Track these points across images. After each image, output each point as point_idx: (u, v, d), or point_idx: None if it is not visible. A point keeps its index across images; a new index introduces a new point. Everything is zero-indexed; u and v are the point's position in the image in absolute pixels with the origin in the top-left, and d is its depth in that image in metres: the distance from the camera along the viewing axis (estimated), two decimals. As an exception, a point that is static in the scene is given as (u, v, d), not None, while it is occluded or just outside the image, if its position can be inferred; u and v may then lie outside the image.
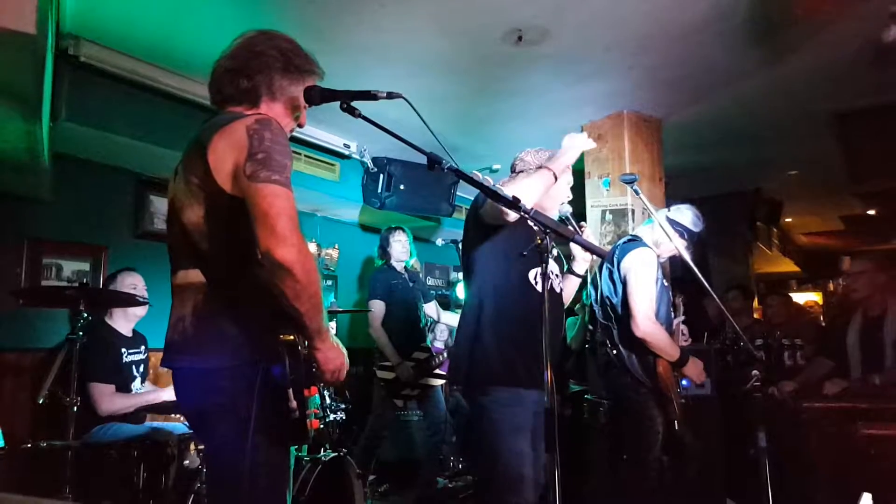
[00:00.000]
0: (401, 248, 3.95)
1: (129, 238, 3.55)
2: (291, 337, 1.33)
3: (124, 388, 2.75)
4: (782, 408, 3.26)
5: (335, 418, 3.07)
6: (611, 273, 2.64)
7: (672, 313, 2.74)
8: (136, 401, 2.69)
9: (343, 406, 3.16)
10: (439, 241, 4.37)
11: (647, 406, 2.53)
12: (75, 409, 2.32)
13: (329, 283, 4.89)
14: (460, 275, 4.70)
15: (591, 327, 2.90)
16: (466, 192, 4.99)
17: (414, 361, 3.73)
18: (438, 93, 3.49)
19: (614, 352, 2.60)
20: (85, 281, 2.95)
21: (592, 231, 3.75)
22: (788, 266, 9.38)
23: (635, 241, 2.68)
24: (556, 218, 2.23)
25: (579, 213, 3.49)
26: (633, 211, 3.81)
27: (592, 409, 3.48)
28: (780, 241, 8.16)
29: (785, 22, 2.83)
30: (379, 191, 4.36)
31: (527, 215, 1.57)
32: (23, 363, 3.02)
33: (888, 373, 3.12)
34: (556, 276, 2.23)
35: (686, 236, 2.70)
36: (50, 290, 3.04)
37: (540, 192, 1.97)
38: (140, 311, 2.91)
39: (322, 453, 2.80)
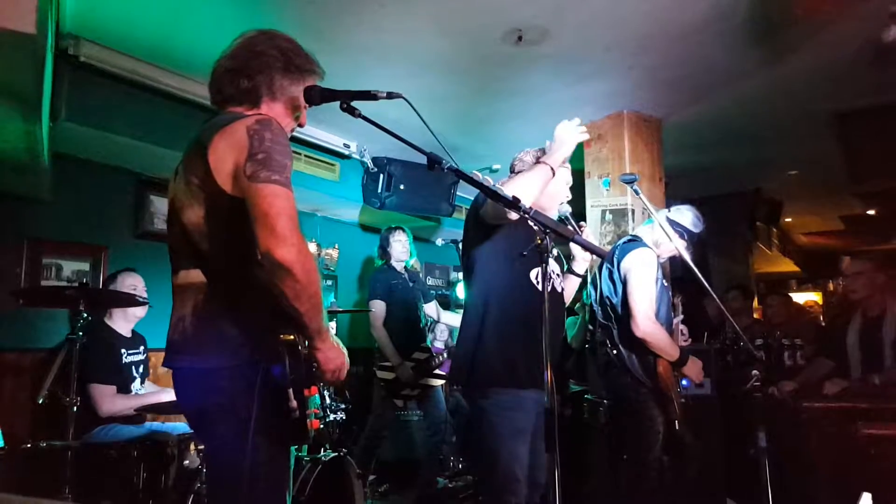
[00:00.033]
0: (401, 248, 3.94)
1: (129, 238, 3.55)
2: (292, 337, 1.33)
3: (124, 388, 2.75)
4: (782, 408, 3.25)
5: (335, 418, 3.07)
6: (611, 273, 2.64)
7: (672, 313, 2.74)
8: (137, 402, 2.69)
9: (343, 406, 3.16)
10: (439, 241, 4.37)
11: (647, 406, 2.53)
12: (75, 409, 2.32)
13: (329, 283, 4.89)
14: (460, 275, 4.71)
15: (590, 327, 2.90)
16: (466, 192, 5.00)
17: (414, 362, 3.73)
18: (438, 93, 3.48)
19: (614, 352, 2.60)
20: (85, 281, 2.95)
21: (592, 231, 3.75)
22: (788, 266, 9.38)
23: (635, 242, 2.68)
24: (555, 217, 2.23)
25: (579, 212, 3.49)
26: (633, 211, 3.81)
27: (592, 409, 3.47)
28: (780, 241, 8.16)
29: (785, 22, 2.83)
30: (379, 191, 4.36)
31: (527, 215, 1.57)
32: (23, 363, 3.02)
33: (888, 372, 3.12)
34: (558, 275, 2.24)
35: (686, 237, 2.70)
36: (50, 290, 3.03)
37: (539, 188, 1.94)
38: (140, 312, 2.91)
39: (322, 453, 2.80)
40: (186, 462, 2.52)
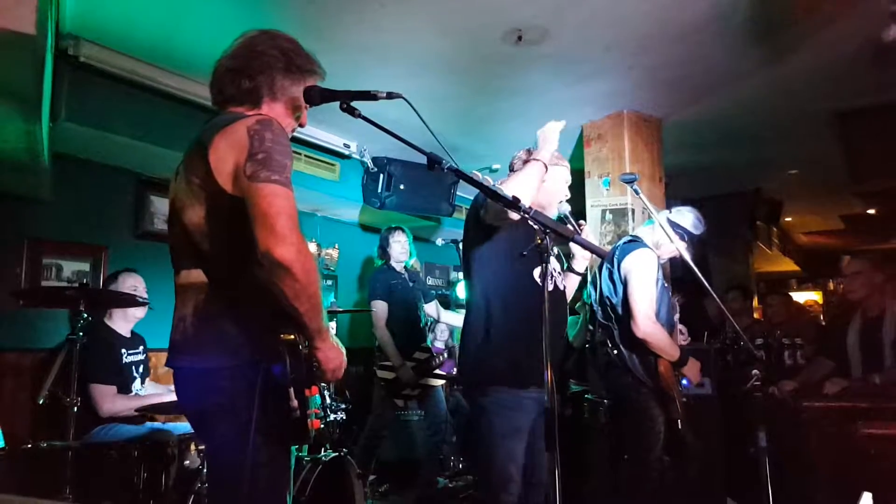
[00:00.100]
0: (400, 249, 3.94)
1: (129, 238, 3.55)
2: (292, 336, 1.33)
3: (124, 388, 2.75)
4: (782, 408, 3.25)
5: (335, 418, 3.07)
6: (611, 273, 2.64)
7: (672, 314, 2.74)
8: (138, 402, 2.69)
9: (343, 406, 3.16)
10: (439, 241, 4.37)
11: (648, 406, 2.53)
12: (75, 409, 2.32)
13: (329, 283, 4.89)
14: (460, 275, 4.71)
15: (591, 327, 2.90)
16: (466, 192, 5.00)
17: (414, 361, 3.73)
18: (438, 93, 3.49)
19: (615, 352, 2.60)
20: (85, 281, 2.95)
21: (592, 230, 3.75)
22: (788, 265, 9.38)
23: (636, 242, 2.68)
24: (555, 216, 2.24)
25: (579, 212, 3.49)
26: (632, 210, 3.81)
27: (593, 409, 3.47)
28: (780, 240, 8.17)
29: (785, 22, 2.83)
30: (379, 191, 4.36)
31: (527, 215, 1.57)
32: (23, 363, 3.02)
33: (888, 372, 3.12)
34: (559, 273, 2.25)
35: (686, 238, 2.70)
36: (50, 291, 3.03)
37: (535, 184, 1.99)
38: (139, 313, 2.91)
39: (322, 453, 2.81)
40: (187, 462, 2.52)
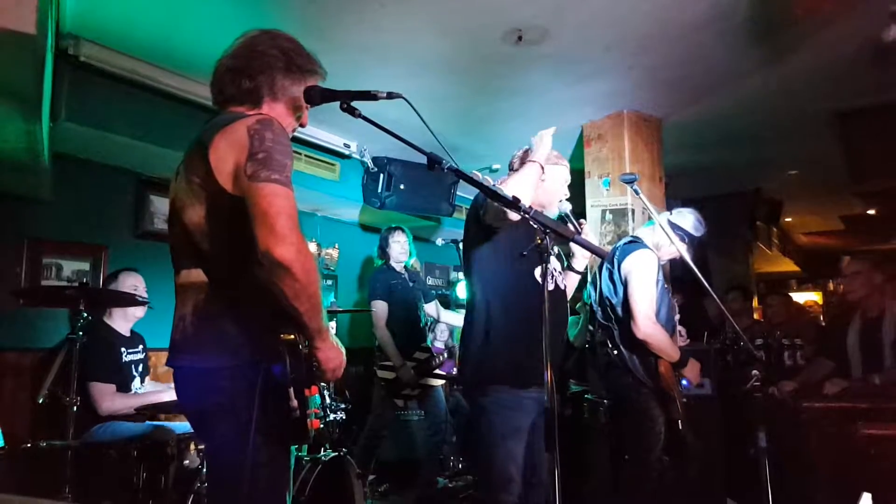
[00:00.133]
0: (399, 249, 3.94)
1: (129, 238, 3.55)
2: (292, 336, 1.33)
3: (124, 387, 2.75)
4: (782, 408, 3.25)
5: (335, 418, 3.07)
6: (611, 274, 2.64)
7: (672, 314, 2.74)
8: (138, 401, 2.69)
9: (343, 406, 3.16)
10: (439, 241, 4.37)
11: (648, 406, 2.53)
12: (75, 408, 2.32)
13: (329, 282, 4.89)
14: (460, 274, 4.71)
15: (591, 328, 2.90)
16: (466, 192, 5.00)
17: (414, 361, 3.73)
18: (438, 93, 3.49)
19: (615, 352, 2.60)
20: (85, 281, 2.95)
21: (592, 230, 3.75)
22: (788, 266, 9.38)
23: (636, 243, 2.68)
24: (555, 215, 2.25)
25: (579, 212, 3.49)
26: (632, 210, 3.81)
27: (593, 409, 3.47)
28: (780, 240, 8.17)
29: (785, 22, 2.83)
30: (379, 190, 4.36)
31: (527, 215, 1.57)
32: (23, 363, 3.02)
33: (888, 373, 3.12)
34: (560, 272, 2.25)
35: (687, 240, 2.70)
36: (50, 290, 3.03)
37: (532, 184, 2.01)
38: (139, 312, 2.91)
39: (322, 453, 2.81)
40: (186, 462, 2.52)
